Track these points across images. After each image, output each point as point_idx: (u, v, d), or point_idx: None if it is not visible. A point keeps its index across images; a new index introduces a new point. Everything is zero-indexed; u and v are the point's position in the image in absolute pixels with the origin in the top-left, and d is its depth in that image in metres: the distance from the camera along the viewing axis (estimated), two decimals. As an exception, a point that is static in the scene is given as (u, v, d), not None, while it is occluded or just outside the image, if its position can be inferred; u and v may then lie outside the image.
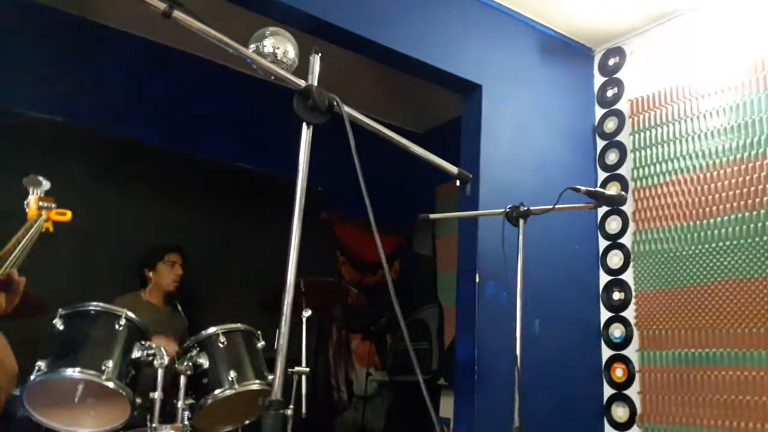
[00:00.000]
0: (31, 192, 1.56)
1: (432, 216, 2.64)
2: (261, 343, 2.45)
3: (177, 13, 1.18)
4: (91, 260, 3.57)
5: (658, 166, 3.39)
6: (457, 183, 1.99)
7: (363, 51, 3.01)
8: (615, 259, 3.53)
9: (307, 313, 2.87)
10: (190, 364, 2.20)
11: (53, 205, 1.61)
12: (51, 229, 1.60)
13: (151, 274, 3.38)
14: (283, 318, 1.37)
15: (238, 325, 2.38)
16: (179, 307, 3.48)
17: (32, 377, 1.89)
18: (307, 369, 2.74)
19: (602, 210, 3.60)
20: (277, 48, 1.95)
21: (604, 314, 3.52)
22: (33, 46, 3.51)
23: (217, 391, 2.17)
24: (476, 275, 3.02)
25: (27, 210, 1.54)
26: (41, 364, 1.90)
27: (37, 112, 3.52)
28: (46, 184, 1.59)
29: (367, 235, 4.68)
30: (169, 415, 2.16)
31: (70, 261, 3.42)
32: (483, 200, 3.11)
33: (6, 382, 0.81)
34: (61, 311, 2.03)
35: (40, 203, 1.55)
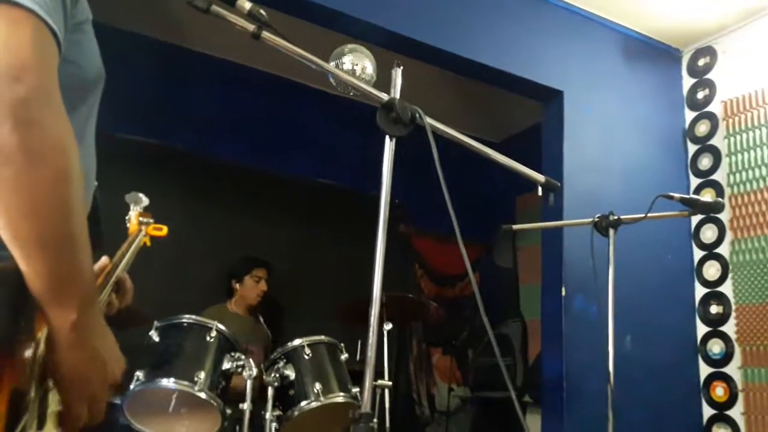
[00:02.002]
0: (132, 208, 1.64)
1: (516, 227, 2.58)
2: (344, 356, 2.46)
3: (265, 34, 1.21)
4: (183, 273, 3.73)
5: (755, 170, 3.18)
6: (540, 192, 1.94)
7: (442, 63, 3.01)
8: (711, 271, 3.32)
9: (388, 327, 2.86)
10: (277, 375, 2.24)
11: (151, 221, 1.68)
12: (149, 243, 1.67)
13: (237, 285, 3.51)
14: (370, 330, 1.36)
15: (322, 337, 2.40)
16: (261, 319, 3.57)
17: (131, 386, 1.98)
18: (390, 383, 2.73)
19: (696, 218, 3.41)
20: (355, 64, 1.97)
21: (701, 329, 3.31)
22: (127, 73, 3.72)
23: (303, 403, 2.20)
24: (562, 288, 2.92)
25: (128, 225, 1.62)
26: (139, 374, 1.99)
27: (132, 134, 3.73)
28: (146, 200, 1.67)
29: (444, 247, 4.67)
30: (257, 426, 2.20)
31: (163, 274, 3.58)
32: (568, 210, 3.01)
33: (103, 385, 0.85)
34: (156, 323, 2.12)
35: (140, 219, 1.63)
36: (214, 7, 1.14)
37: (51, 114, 0.73)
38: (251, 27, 1.20)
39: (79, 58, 0.89)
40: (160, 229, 1.67)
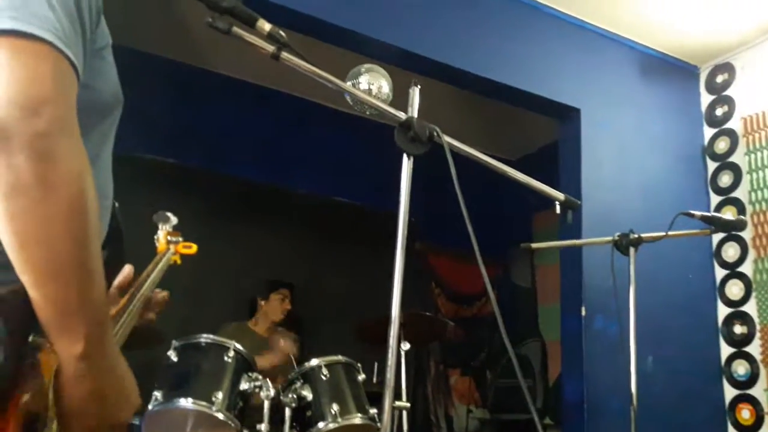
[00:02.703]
0: (159, 227, 1.64)
1: (534, 245, 2.55)
2: (361, 376, 2.44)
3: (284, 54, 1.21)
4: (202, 292, 3.75)
5: (778, 187, 3.13)
6: (558, 210, 1.91)
7: (458, 82, 3.02)
8: (734, 290, 3.26)
9: (405, 347, 2.83)
10: (294, 396, 2.22)
11: (180, 239, 1.68)
12: (179, 261, 1.67)
13: (263, 302, 3.53)
14: (390, 351, 1.35)
15: (339, 357, 2.38)
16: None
17: (150, 407, 1.98)
18: (408, 404, 2.69)
19: (717, 236, 3.36)
20: (372, 84, 1.98)
21: (725, 349, 3.24)
22: (145, 94, 3.78)
23: (320, 425, 2.17)
24: (582, 308, 2.88)
25: (156, 244, 1.62)
26: (157, 394, 1.99)
27: (150, 154, 3.78)
28: (174, 220, 1.67)
29: (461, 265, 4.64)
30: (274, 447, 2.18)
31: (182, 293, 3.59)
32: (586, 228, 2.98)
33: (130, 415, 0.84)
34: (174, 343, 2.12)
35: (169, 237, 1.63)
36: (235, 29, 1.15)
37: (68, 146, 0.74)
38: (271, 48, 1.20)
39: (96, 83, 0.89)
40: (190, 247, 1.68)
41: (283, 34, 1.21)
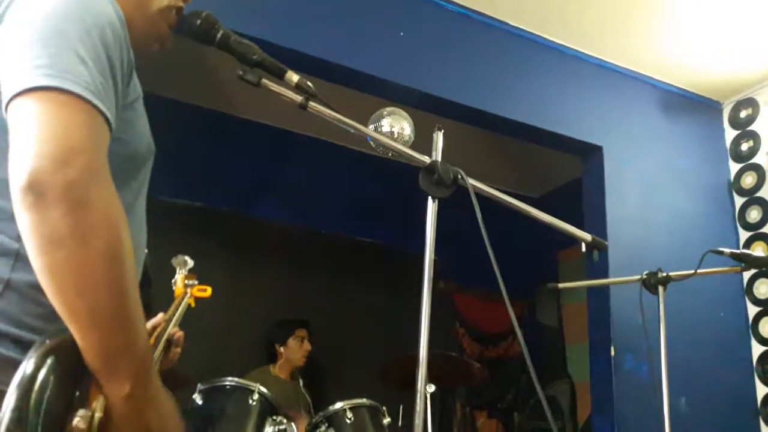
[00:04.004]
0: (178, 271, 1.67)
1: (561, 285, 2.53)
2: (386, 420, 2.41)
3: (312, 104, 1.25)
4: (227, 335, 3.75)
5: (809, 222, 3.07)
6: (584, 249, 1.90)
7: (480, 123, 3.05)
8: (768, 328, 3.18)
9: (431, 389, 2.79)
10: (319, 440, 2.20)
11: (195, 282, 1.70)
12: (193, 305, 1.69)
13: (282, 349, 3.49)
14: (418, 394, 1.34)
15: (364, 400, 2.36)
16: (301, 383, 3.53)
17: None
18: (434, 448, 2.65)
19: (748, 273, 3.29)
20: (394, 127, 2.02)
21: (761, 389, 3.14)
22: (173, 139, 3.87)
23: (346, 470, 2.15)
24: (611, 348, 2.82)
25: (174, 288, 1.64)
26: (183, 438, 1.99)
27: (178, 198, 3.85)
28: (191, 263, 1.70)
29: (486, 305, 4.59)
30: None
31: (207, 336, 3.60)
32: (613, 266, 2.94)
33: None
34: (199, 386, 2.13)
35: (186, 281, 1.65)
36: (264, 81, 1.19)
37: (101, 194, 0.76)
38: (299, 98, 1.24)
39: (128, 136, 0.92)
40: (204, 290, 1.69)
41: (310, 84, 1.25)
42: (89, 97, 0.78)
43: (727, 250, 2.33)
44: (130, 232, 0.80)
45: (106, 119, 0.80)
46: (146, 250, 1.03)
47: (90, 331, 0.75)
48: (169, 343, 1.23)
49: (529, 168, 4.83)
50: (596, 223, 3.09)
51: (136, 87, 0.96)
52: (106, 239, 0.75)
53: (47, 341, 0.73)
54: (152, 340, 1.15)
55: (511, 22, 3.12)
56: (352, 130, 1.41)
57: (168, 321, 1.29)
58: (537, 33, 3.18)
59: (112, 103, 0.83)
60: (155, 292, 1.24)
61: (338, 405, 2.29)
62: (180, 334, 1.28)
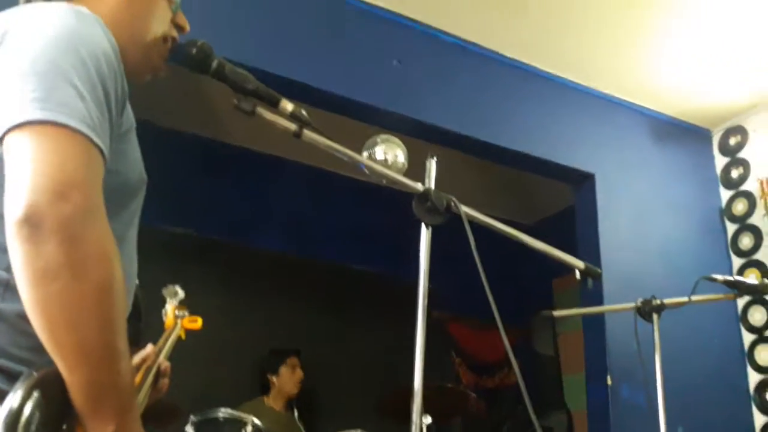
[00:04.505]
0: (168, 302, 1.66)
1: (556, 313, 2.52)
2: (382, 452, 2.37)
3: (306, 132, 1.25)
4: (220, 365, 3.70)
5: (802, 248, 3.09)
6: (578, 276, 1.90)
7: (473, 151, 3.07)
8: (764, 355, 3.17)
9: (427, 420, 2.76)
10: (313, 473, 2.16)
11: (186, 313, 1.69)
12: (183, 337, 1.67)
13: (274, 379, 3.45)
14: (413, 426, 1.32)
15: (359, 431, 2.32)
16: (296, 414, 3.48)
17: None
18: (430, 481, 2.60)
19: (742, 300, 3.29)
20: (387, 154, 2.02)
21: (759, 419, 3.11)
22: (166, 167, 3.87)
23: (340, 503, 2.10)
24: (608, 377, 2.80)
25: (165, 319, 1.63)
26: (173, 472, 1.94)
27: (172, 226, 3.83)
28: (182, 293, 1.69)
29: (482, 333, 4.55)
30: None
31: (200, 367, 3.55)
32: (608, 293, 2.94)
33: None
34: (192, 418, 2.09)
35: (176, 312, 1.64)
36: (259, 110, 1.20)
37: (96, 230, 0.75)
38: (293, 127, 1.24)
39: (121, 166, 0.92)
40: (195, 321, 1.68)
41: (304, 112, 1.26)
42: (85, 130, 0.78)
43: (720, 277, 2.33)
44: (121, 263, 0.79)
45: (101, 152, 0.80)
46: (137, 282, 1.02)
47: (76, 367, 0.74)
48: (158, 374, 1.21)
49: (523, 196, 4.86)
50: (589, 250, 3.10)
51: (130, 117, 0.96)
52: (100, 275, 0.75)
53: (34, 374, 0.72)
54: (141, 373, 1.13)
55: (504, 53, 3.16)
56: (345, 158, 1.42)
57: (157, 353, 1.27)
58: (529, 63, 3.22)
59: (107, 134, 0.83)
60: (146, 321, 1.22)
61: (333, 437, 2.25)
62: (167, 365, 1.26)
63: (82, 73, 0.81)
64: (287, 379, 3.45)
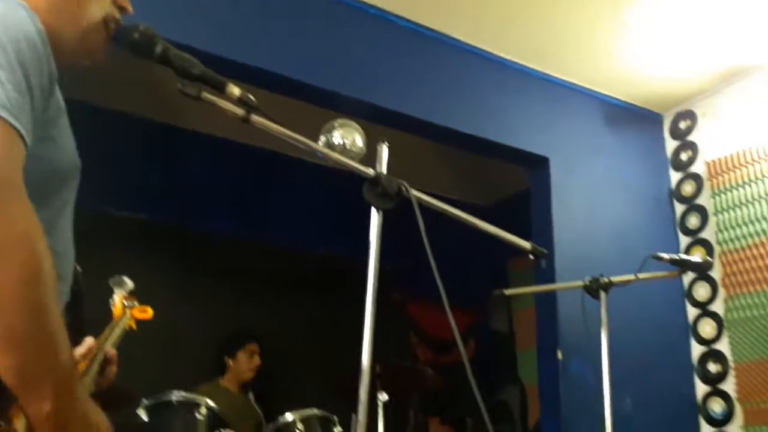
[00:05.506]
0: (116, 292, 1.64)
1: (507, 292, 2.59)
2: (338, 429, 2.41)
3: (254, 117, 1.25)
4: (173, 351, 3.68)
5: (744, 228, 3.23)
6: (531, 257, 1.96)
7: (429, 135, 3.10)
8: (707, 328, 3.31)
9: (383, 398, 2.81)
10: (270, 452, 2.19)
11: (135, 303, 1.67)
12: (134, 327, 1.66)
13: (230, 362, 3.45)
14: (360, 405, 1.35)
15: (315, 411, 2.36)
16: (252, 397, 3.50)
17: (120, 469, 1.93)
18: (387, 456, 2.66)
19: (689, 277, 3.43)
20: (345, 138, 2.04)
21: (701, 388, 3.27)
22: (117, 152, 3.79)
23: (296, 481, 2.14)
24: (558, 352, 2.90)
25: (113, 309, 1.61)
26: (128, 455, 1.95)
27: (124, 211, 3.78)
28: (130, 284, 1.67)
29: (440, 313, 4.62)
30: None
31: (154, 352, 3.53)
32: (560, 272, 3.03)
33: None
34: (144, 401, 2.09)
35: (125, 302, 1.62)
36: (205, 94, 1.19)
37: (15, 209, 0.74)
38: (240, 112, 1.24)
39: (50, 153, 0.90)
40: (145, 311, 1.66)
41: (252, 97, 1.25)
42: (3, 114, 0.77)
43: (666, 256, 2.43)
44: (53, 251, 0.79)
45: (21, 136, 0.79)
46: (79, 269, 1.01)
47: (6, 353, 0.73)
48: (105, 362, 1.21)
49: (480, 178, 4.91)
50: (543, 231, 3.17)
51: (58, 102, 0.94)
52: (23, 257, 0.73)
53: None
54: (87, 361, 1.13)
55: (460, 38, 3.18)
56: (300, 145, 1.42)
57: (103, 341, 1.27)
58: (486, 48, 3.25)
59: (28, 119, 0.81)
60: (93, 311, 1.22)
61: (288, 417, 2.28)
62: (113, 353, 1.26)
63: (2, 58, 0.79)
64: (243, 363, 3.45)
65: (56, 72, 0.89)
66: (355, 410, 1.37)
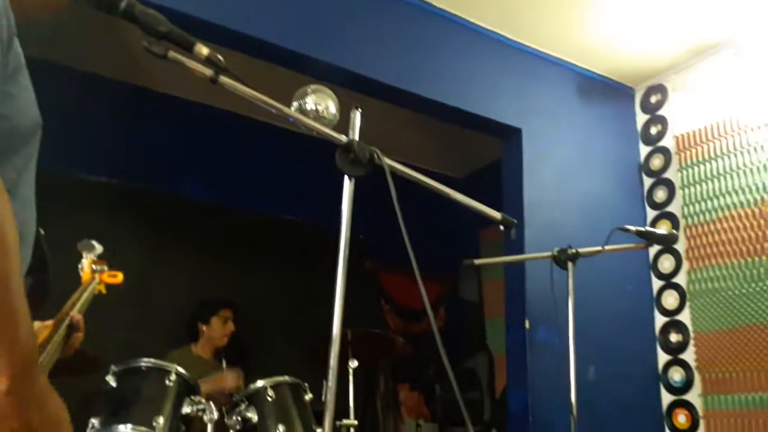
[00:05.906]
0: (84, 256, 1.61)
1: (477, 262, 2.62)
2: (308, 396, 2.43)
3: (223, 78, 1.22)
4: (145, 317, 3.65)
5: (709, 202, 3.30)
6: (501, 228, 1.97)
7: (402, 103, 3.07)
8: (670, 300, 3.40)
9: (353, 364, 2.84)
10: (239, 418, 2.19)
11: (105, 268, 1.65)
12: (104, 291, 1.64)
13: (204, 327, 3.43)
14: (330, 371, 1.36)
15: (286, 378, 2.37)
16: (224, 363, 3.49)
17: (86, 435, 1.92)
18: (356, 422, 2.69)
19: (654, 249, 3.50)
20: (318, 104, 2.01)
21: (662, 357, 3.37)
22: (87, 114, 3.70)
23: (266, 446, 2.15)
24: (525, 321, 2.95)
25: (81, 274, 1.58)
26: (94, 421, 1.93)
27: (94, 175, 3.69)
28: (99, 248, 1.63)
29: (411, 282, 4.66)
30: (219, 471, 2.14)
31: (125, 318, 3.50)
32: (529, 243, 3.07)
33: None
34: (113, 368, 2.07)
35: (93, 266, 1.60)
36: (172, 54, 1.15)
37: None
38: (209, 72, 1.21)
39: (9, 110, 0.85)
40: (115, 276, 1.64)
41: (221, 58, 1.22)
42: None
43: (632, 228, 2.47)
44: (14, 212, 0.76)
45: None
46: (41, 230, 0.98)
47: None
48: (71, 328, 1.19)
49: (455, 148, 4.92)
50: (514, 202, 3.20)
51: (18, 57, 0.88)
52: None
53: None
54: (47, 332, 1.11)
55: (433, 3, 3.14)
56: (270, 109, 1.40)
57: (71, 308, 1.24)
58: (458, 14, 3.22)
59: None
60: (61, 276, 1.19)
61: (259, 383, 2.28)
62: (79, 317, 1.23)
63: None
64: (217, 329, 3.43)
65: (14, 25, 0.84)
66: (326, 377, 1.38)
